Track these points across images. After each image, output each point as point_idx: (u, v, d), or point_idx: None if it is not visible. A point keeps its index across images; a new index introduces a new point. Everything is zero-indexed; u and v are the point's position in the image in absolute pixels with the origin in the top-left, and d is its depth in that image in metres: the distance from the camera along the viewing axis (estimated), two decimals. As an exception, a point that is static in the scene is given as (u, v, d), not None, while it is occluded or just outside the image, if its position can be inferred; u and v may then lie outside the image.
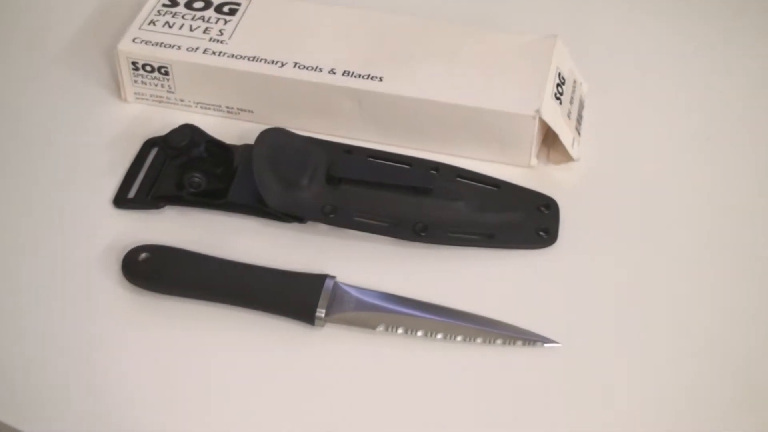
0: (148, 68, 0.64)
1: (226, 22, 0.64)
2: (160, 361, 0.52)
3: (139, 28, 0.64)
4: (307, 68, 0.62)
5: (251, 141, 0.59)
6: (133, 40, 0.64)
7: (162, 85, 0.65)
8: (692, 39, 0.72)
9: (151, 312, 0.54)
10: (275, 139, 0.59)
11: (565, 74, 0.64)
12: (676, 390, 0.51)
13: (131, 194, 0.60)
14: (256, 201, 0.57)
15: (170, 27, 0.64)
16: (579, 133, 0.63)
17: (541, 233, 0.58)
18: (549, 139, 0.62)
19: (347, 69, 0.62)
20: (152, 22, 0.64)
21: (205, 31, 0.64)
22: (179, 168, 0.58)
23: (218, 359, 0.52)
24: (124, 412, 0.50)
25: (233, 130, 0.63)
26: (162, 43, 0.64)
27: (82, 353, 0.52)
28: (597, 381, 0.51)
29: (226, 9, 0.65)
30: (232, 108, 0.65)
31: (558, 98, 0.61)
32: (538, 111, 0.59)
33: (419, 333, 0.53)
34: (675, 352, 0.52)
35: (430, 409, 0.50)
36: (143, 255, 0.54)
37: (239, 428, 0.49)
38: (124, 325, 0.54)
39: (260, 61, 0.62)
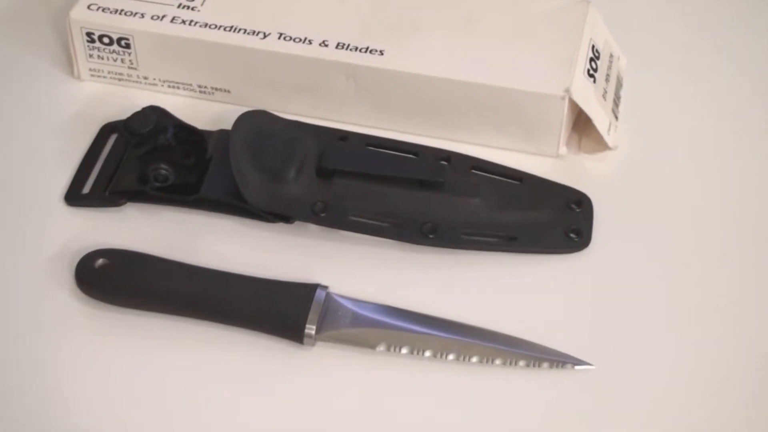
0: (106, 40, 0.64)
1: (198, -15, 0.64)
2: (120, 387, 0.52)
3: (96, -7, 0.64)
4: (294, 40, 0.61)
5: (228, 126, 0.59)
6: (89, 7, 0.63)
7: (122, 60, 0.64)
8: (754, 4, 0.72)
9: (110, 329, 0.54)
10: (256, 123, 0.59)
11: (599, 47, 0.64)
12: (730, 421, 0.51)
13: (86, 189, 0.60)
14: (234, 197, 0.57)
15: (132, -9, 0.63)
16: (616, 117, 0.63)
17: (572, 235, 0.58)
18: (581, 123, 0.62)
19: (341, 41, 0.61)
20: (111, -15, 0.63)
21: (174, -5, 0.63)
22: (143, 158, 0.58)
23: (189, 386, 0.52)
24: None
25: (207, 113, 0.64)
26: (122, 11, 0.63)
27: (27, 378, 0.52)
28: (636, 410, 0.51)
29: (198, -31, 0.65)
30: (206, 87, 0.64)
31: (591, 75, 0.61)
32: (567, 90, 0.59)
33: (427, 353, 0.53)
34: (729, 377, 0.52)
35: None
36: (100, 261, 0.54)
37: None
38: (77, 345, 0.53)
39: (238, 31, 0.62)
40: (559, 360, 0.52)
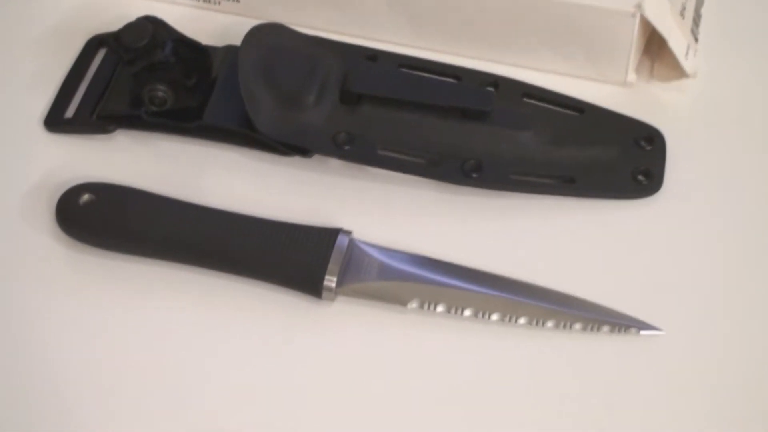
0: (93, -64, 0.64)
1: None
2: (107, 346, 0.52)
3: None
4: (316, -61, 0.62)
5: (236, 41, 0.59)
6: None
7: (112, -39, 0.64)
8: None
9: (96, 277, 0.54)
10: (270, 38, 0.59)
11: (678, -47, 0.63)
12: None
13: (69, 113, 0.60)
14: (243, 125, 0.57)
15: None
16: (696, 39, 0.62)
17: (640, 177, 0.58)
18: (654, 46, 0.62)
19: (372, -59, 0.62)
20: None
21: None
22: (136, 77, 0.57)
23: (187, 345, 0.52)
24: (52, 408, 0.50)
25: (212, 25, 0.64)
26: None
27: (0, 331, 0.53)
28: (710, 385, 0.51)
29: None
30: (211, -5, 0.64)
31: (668, -12, 0.60)
32: (639, 6, 0.58)
33: (467, 312, 0.53)
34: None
35: (477, 415, 0.50)
36: (86, 197, 0.54)
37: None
38: (57, 295, 0.54)
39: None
40: (622, 323, 0.52)
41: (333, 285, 0.52)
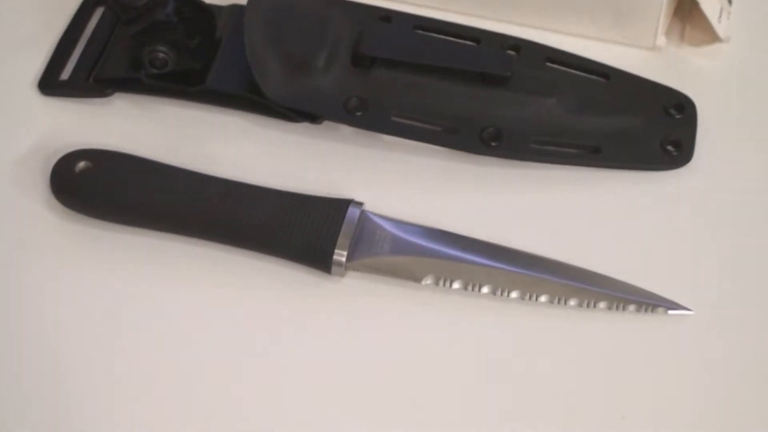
0: None
1: None
2: (102, 321, 0.52)
3: None
4: None
5: (242, 0, 0.58)
6: None
7: None
8: None
9: (92, 249, 0.54)
10: None
11: None
12: None
13: (65, 75, 0.60)
14: (248, 89, 0.57)
15: None
16: (729, 1, 0.62)
17: (669, 147, 0.57)
18: (684, 8, 0.62)
19: None
20: None
21: None
22: (136, 38, 0.57)
23: (186, 319, 0.52)
24: (45, 383, 0.50)
25: None
26: None
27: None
28: (742, 365, 0.51)
29: None
30: (215, -50, 0.64)
31: (700, -55, 0.60)
32: None
33: (485, 289, 0.52)
34: None
35: (494, 397, 0.50)
36: (82, 164, 0.54)
37: (216, 414, 0.50)
38: (50, 267, 0.54)
39: None
40: (649, 302, 0.52)
41: (343, 259, 0.52)
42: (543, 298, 0.52)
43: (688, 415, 0.50)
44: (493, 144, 0.56)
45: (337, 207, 0.53)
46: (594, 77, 0.59)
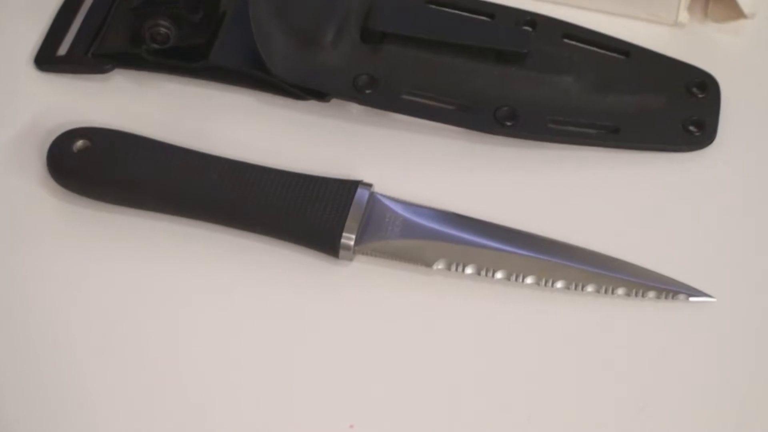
0: None
1: None
2: (102, 303, 0.52)
3: None
4: None
5: None
6: None
7: None
8: None
9: (90, 231, 0.54)
10: None
11: None
12: None
13: (62, 50, 0.60)
14: (254, 65, 0.57)
15: None
16: None
17: (691, 128, 0.57)
18: None
19: None
20: None
21: None
22: (137, 12, 0.57)
23: (189, 304, 0.52)
24: (43, 367, 0.50)
25: None
26: None
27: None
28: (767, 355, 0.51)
29: None
30: None
31: None
32: None
33: (499, 275, 0.52)
34: None
35: (507, 386, 0.50)
36: (80, 143, 0.54)
37: (217, 401, 0.49)
38: (48, 250, 0.54)
39: None
40: (670, 289, 0.52)
41: (351, 243, 0.52)
42: (559, 284, 0.52)
43: (710, 407, 0.50)
44: (508, 123, 0.56)
45: (345, 188, 0.53)
46: (613, 54, 0.59)
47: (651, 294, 0.52)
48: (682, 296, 0.52)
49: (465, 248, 0.52)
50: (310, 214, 0.52)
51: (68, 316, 0.51)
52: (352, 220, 0.52)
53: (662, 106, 0.58)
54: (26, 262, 0.53)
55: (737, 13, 0.60)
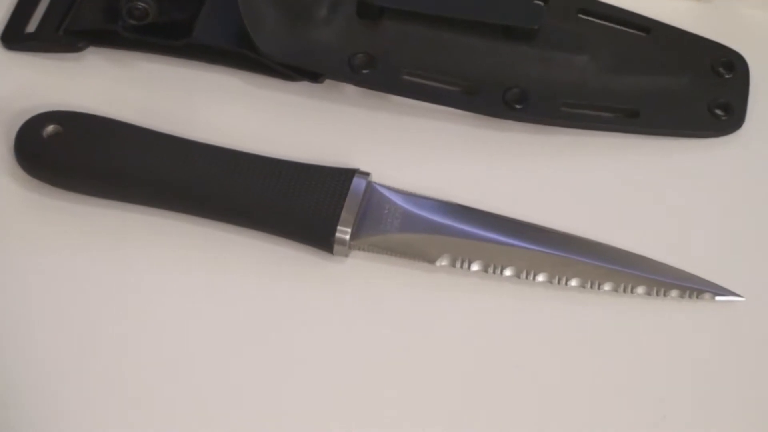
0: None
1: None
2: (77, 302, 0.52)
3: None
4: None
5: None
6: None
7: None
8: None
9: (62, 224, 0.54)
10: None
11: None
12: None
13: (31, 27, 0.59)
14: (240, 43, 0.56)
15: None
16: None
17: (718, 111, 0.57)
18: None
19: None
20: None
21: None
22: None
23: (173, 304, 0.52)
24: (12, 367, 0.50)
25: None
26: None
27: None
28: None
29: None
30: None
31: None
32: None
33: (508, 272, 0.52)
34: None
35: (516, 391, 0.50)
36: (50, 128, 0.54)
37: (211, 400, 0.49)
38: (16, 245, 0.53)
39: None
40: (694, 287, 0.52)
41: (347, 237, 0.51)
42: (573, 282, 0.52)
43: (737, 415, 0.49)
44: (518, 107, 0.56)
45: (340, 177, 0.53)
46: (633, 31, 0.59)
47: (674, 293, 0.52)
48: (707, 295, 0.52)
49: (471, 243, 0.52)
50: (302, 206, 0.52)
51: (36, 313, 0.51)
52: (348, 212, 0.52)
53: (686, 87, 0.57)
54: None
55: (768, -14, 0.59)
